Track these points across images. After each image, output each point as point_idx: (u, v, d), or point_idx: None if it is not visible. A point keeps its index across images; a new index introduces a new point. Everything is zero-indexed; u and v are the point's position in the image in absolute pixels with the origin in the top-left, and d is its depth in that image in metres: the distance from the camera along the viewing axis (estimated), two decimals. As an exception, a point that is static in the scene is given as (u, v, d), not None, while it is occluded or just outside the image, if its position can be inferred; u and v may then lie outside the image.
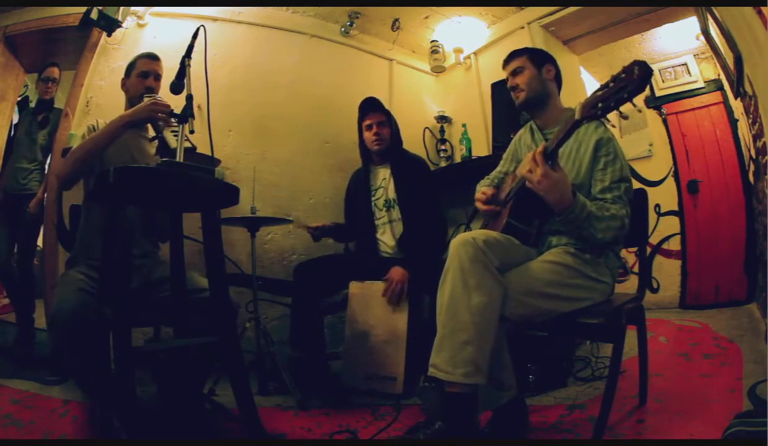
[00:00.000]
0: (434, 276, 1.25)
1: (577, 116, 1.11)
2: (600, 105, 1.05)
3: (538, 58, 1.53)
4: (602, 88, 1.05)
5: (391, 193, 2.14)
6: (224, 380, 1.53)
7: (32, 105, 2.62)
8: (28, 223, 2.38)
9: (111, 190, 1.18)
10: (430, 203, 2.12)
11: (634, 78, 0.98)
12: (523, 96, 1.51)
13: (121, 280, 1.25)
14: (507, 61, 1.56)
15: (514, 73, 1.52)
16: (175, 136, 1.36)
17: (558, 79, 1.54)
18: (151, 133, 1.65)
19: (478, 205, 1.56)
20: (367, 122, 2.16)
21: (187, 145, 1.35)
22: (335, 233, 2.28)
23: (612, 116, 1.13)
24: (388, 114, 2.16)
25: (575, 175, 1.36)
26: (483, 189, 1.57)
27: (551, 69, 1.52)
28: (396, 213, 2.13)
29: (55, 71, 2.49)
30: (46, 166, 2.53)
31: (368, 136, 2.15)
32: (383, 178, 2.18)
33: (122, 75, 1.73)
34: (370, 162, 2.24)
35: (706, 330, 2.40)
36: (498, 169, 1.69)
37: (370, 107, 2.16)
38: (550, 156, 1.20)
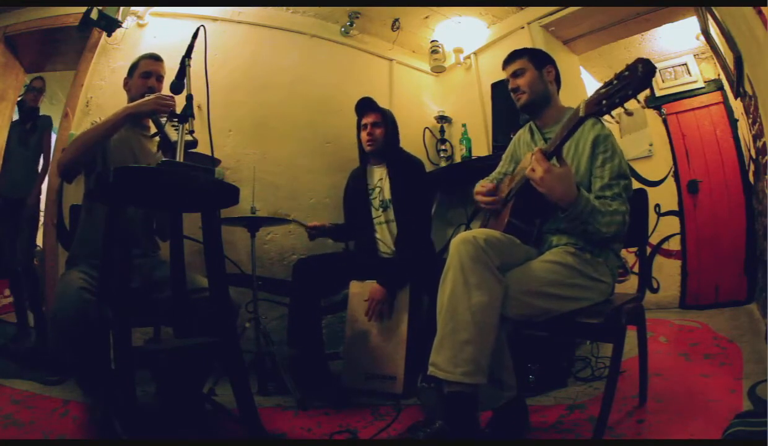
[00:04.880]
0: (433, 277, 1.25)
1: (581, 113, 1.12)
2: (604, 102, 1.06)
3: (539, 59, 1.52)
4: (606, 85, 1.06)
5: (387, 194, 2.14)
6: (224, 380, 1.53)
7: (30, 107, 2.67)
8: (28, 223, 2.40)
9: (111, 190, 1.18)
10: (421, 207, 2.12)
11: (638, 75, 0.98)
12: (525, 98, 1.50)
13: (121, 280, 1.25)
14: (507, 62, 1.55)
15: (516, 75, 1.52)
16: (176, 130, 1.37)
17: (558, 80, 1.54)
18: (153, 130, 1.66)
19: (477, 196, 1.55)
20: (363, 122, 2.17)
21: (189, 138, 1.34)
22: (333, 234, 2.28)
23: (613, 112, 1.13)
24: (384, 114, 2.16)
25: (574, 173, 1.35)
26: (482, 182, 1.56)
27: (551, 70, 1.52)
28: (391, 213, 2.12)
29: (39, 82, 2.59)
30: (39, 168, 2.60)
31: (363, 135, 2.16)
32: (379, 178, 2.18)
33: (122, 75, 1.74)
34: (368, 161, 2.24)
35: (706, 330, 2.40)
36: (497, 169, 1.69)
37: (365, 107, 2.17)
38: (553, 153, 1.20)
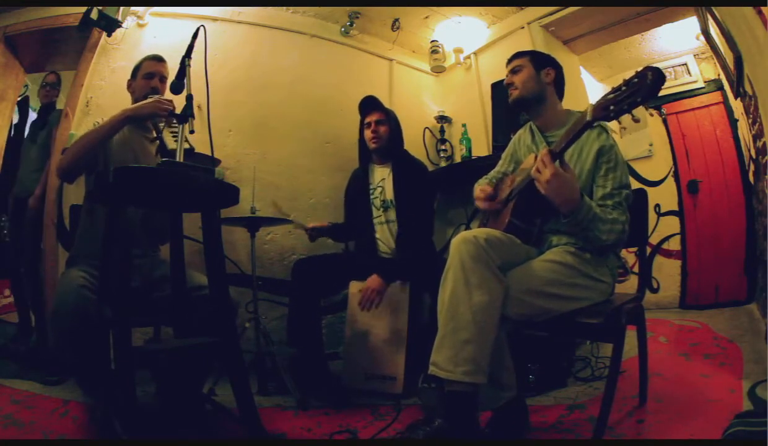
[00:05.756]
0: (434, 276, 1.25)
1: (588, 117, 1.11)
2: (612, 107, 1.05)
3: (540, 60, 1.53)
4: (614, 91, 1.06)
5: (389, 194, 2.14)
6: (224, 380, 1.53)
7: (35, 109, 2.64)
8: (31, 223, 2.38)
9: (111, 190, 1.18)
10: (423, 210, 2.11)
11: (647, 83, 0.98)
12: (516, 94, 1.52)
13: (121, 280, 1.25)
14: (509, 61, 1.57)
15: (513, 71, 1.54)
16: (174, 136, 1.37)
17: (558, 84, 1.53)
18: (154, 134, 1.67)
19: (478, 202, 1.56)
20: (366, 120, 2.17)
21: (186, 145, 1.35)
22: (333, 233, 2.28)
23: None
24: (387, 112, 2.16)
25: (576, 179, 1.36)
26: (482, 186, 1.58)
27: (551, 73, 1.51)
28: (392, 213, 2.12)
29: (53, 77, 2.54)
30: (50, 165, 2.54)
31: (367, 134, 2.16)
32: (382, 177, 2.18)
33: (123, 75, 1.75)
34: (370, 161, 2.24)
35: (706, 330, 2.40)
36: (497, 168, 1.70)
37: (369, 106, 2.17)
38: (557, 156, 1.20)
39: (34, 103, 2.76)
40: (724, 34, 1.86)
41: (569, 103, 1.58)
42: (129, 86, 1.73)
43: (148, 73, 1.68)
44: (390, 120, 2.15)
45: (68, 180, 1.55)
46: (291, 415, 1.68)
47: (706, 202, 3.19)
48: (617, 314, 1.26)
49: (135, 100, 1.69)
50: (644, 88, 0.99)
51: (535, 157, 1.24)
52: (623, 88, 1.03)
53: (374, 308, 1.89)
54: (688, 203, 3.25)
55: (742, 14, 1.48)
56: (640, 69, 1.00)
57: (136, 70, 1.72)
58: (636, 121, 1.06)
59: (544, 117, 1.52)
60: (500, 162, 1.70)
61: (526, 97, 1.50)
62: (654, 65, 1.00)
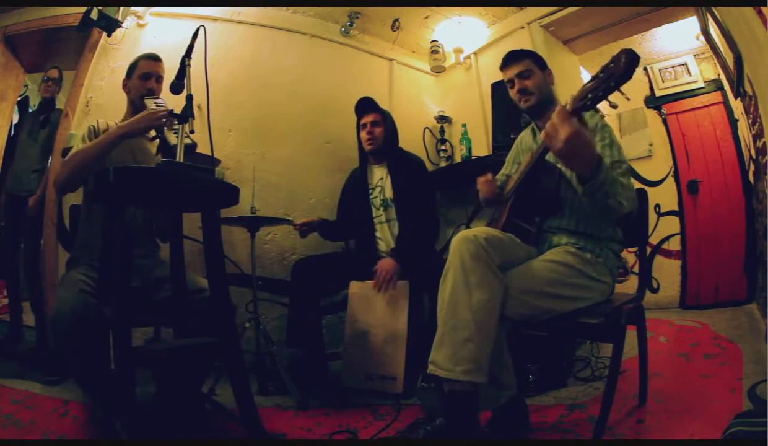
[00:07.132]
0: (433, 276, 1.25)
1: (568, 108, 1.11)
2: (590, 96, 1.05)
3: (540, 61, 1.53)
4: (593, 79, 1.06)
5: (388, 193, 2.14)
6: (224, 380, 1.53)
7: (34, 107, 2.63)
8: (31, 223, 2.37)
9: (111, 190, 1.18)
10: (426, 204, 2.12)
11: (621, 66, 0.98)
12: (534, 99, 1.47)
13: (121, 280, 1.25)
14: (510, 62, 1.52)
15: (522, 76, 1.49)
16: (175, 134, 1.36)
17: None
18: (152, 132, 1.66)
19: (478, 183, 1.54)
20: (362, 122, 2.17)
21: (188, 141, 1.34)
22: (323, 230, 2.27)
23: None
24: (383, 113, 2.16)
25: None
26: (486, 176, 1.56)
27: (551, 73, 1.53)
28: (393, 212, 2.13)
29: (55, 72, 2.51)
30: (48, 165, 2.52)
31: (362, 135, 2.18)
32: (380, 177, 2.19)
33: (122, 75, 1.73)
34: (367, 161, 2.24)
35: (706, 330, 2.40)
36: (501, 171, 1.70)
37: (365, 107, 2.18)
38: (576, 114, 1.10)
39: (34, 103, 2.75)
40: (724, 34, 1.86)
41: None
42: (124, 85, 1.71)
43: (144, 74, 1.65)
44: (386, 121, 2.15)
45: (63, 194, 1.54)
46: (291, 415, 1.68)
47: (706, 202, 3.19)
48: (617, 314, 1.26)
49: (131, 100, 1.68)
50: (618, 72, 0.99)
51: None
52: (600, 74, 1.04)
53: (390, 288, 1.91)
54: (688, 203, 3.25)
55: (742, 14, 1.48)
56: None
57: (131, 69, 1.69)
58: (614, 106, 1.06)
59: (546, 117, 1.52)
60: (504, 165, 1.71)
61: (542, 101, 1.48)
62: (629, 48, 0.99)
